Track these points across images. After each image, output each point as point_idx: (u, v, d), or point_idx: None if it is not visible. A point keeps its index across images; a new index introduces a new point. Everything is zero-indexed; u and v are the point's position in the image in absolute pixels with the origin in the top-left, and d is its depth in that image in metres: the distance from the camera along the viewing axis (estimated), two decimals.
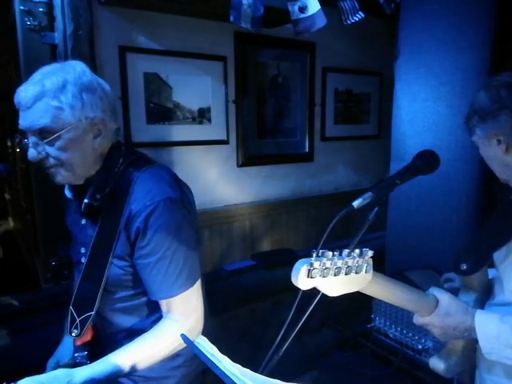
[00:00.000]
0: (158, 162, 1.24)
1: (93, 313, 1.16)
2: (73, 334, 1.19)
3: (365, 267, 0.82)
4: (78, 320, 1.18)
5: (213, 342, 0.85)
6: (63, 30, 1.91)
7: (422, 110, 2.27)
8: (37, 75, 1.05)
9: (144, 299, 1.21)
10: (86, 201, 1.12)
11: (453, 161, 2.19)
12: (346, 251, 0.79)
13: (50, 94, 1.02)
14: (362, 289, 0.86)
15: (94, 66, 1.99)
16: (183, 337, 0.86)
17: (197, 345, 0.84)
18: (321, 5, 1.91)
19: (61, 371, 1.03)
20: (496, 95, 1.08)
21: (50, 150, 1.06)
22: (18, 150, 3.66)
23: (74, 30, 1.90)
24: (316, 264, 0.75)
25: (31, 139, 1.06)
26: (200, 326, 1.19)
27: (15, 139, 1.16)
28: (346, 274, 0.79)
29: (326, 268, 0.76)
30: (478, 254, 1.08)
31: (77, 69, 1.08)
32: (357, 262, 0.80)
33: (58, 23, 1.92)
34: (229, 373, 0.76)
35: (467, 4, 2.12)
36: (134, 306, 1.22)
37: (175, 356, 1.21)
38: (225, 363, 0.79)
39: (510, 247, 1.09)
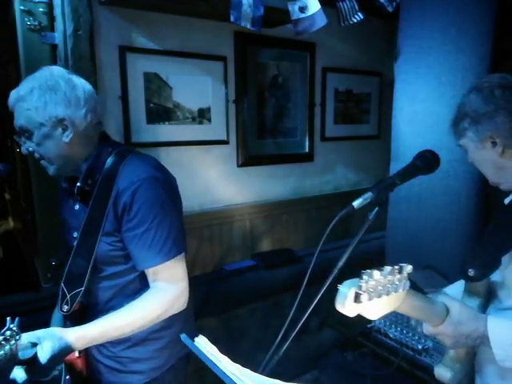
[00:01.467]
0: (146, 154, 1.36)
1: (83, 289, 1.25)
2: (64, 310, 1.27)
3: (403, 284, 0.76)
4: (68, 296, 1.26)
5: (213, 342, 0.85)
6: (63, 29, 1.91)
7: (421, 110, 2.27)
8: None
9: (131, 277, 1.29)
10: (78, 184, 1.26)
11: (453, 161, 2.19)
12: (387, 269, 0.73)
13: (22, 98, 1.18)
14: (396, 307, 0.81)
15: (93, 66, 1.99)
16: (183, 337, 0.86)
17: (197, 345, 0.84)
18: (321, 5, 1.91)
19: (55, 328, 1.12)
20: (490, 96, 1.06)
21: (32, 145, 1.22)
22: (17, 149, 3.66)
23: (73, 30, 1.90)
24: (364, 286, 0.69)
25: (20, 137, 1.24)
26: (185, 296, 1.27)
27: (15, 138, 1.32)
28: (387, 295, 0.74)
29: (373, 290, 0.70)
30: (485, 259, 1.05)
31: (45, 73, 1.21)
32: (397, 280, 0.75)
33: (58, 23, 1.92)
34: (229, 373, 0.76)
35: (467, 4, 2.12)
36: (122, 284, 1.29)
37: (159, 338, 1.32)
38: (225, 363, 0.79)
39: None
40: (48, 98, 1.18)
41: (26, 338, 1.03)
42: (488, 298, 1.14)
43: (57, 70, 1.24)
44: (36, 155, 1.24)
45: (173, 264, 1.24)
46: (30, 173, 2.16)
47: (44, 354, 1.02)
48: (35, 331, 1.06)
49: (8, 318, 0.90)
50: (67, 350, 1.09)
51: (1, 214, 5.75)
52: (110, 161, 1.26)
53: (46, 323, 1.54)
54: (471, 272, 1.03)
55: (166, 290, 1.23)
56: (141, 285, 1.29)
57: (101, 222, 1.22)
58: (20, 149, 1.27)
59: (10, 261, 3.87)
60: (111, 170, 1.24)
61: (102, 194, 1.24)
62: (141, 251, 1.22)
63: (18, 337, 0.89)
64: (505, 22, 2.29)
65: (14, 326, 0.90)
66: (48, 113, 1.18)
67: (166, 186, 1.25)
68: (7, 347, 0.85)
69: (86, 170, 1.26)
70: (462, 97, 1.15)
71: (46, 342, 1.04)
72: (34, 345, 1.03)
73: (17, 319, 0.91)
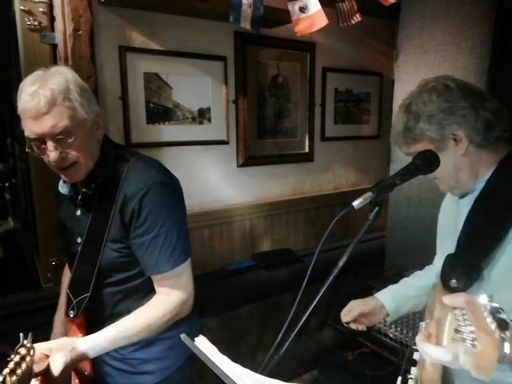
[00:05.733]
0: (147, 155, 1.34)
1: (88, 294, 1.23)
2: (70, 316, 1.26)
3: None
4: (74, 302, 1.25)
5: (213, 342, 0.85)
6: (63, 29, 1.91)
7: None
8: (34, 82, 1.09)
9: (137, 282, 1.27)
10: (83, 190, 1.23)
11: None
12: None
13: (61, 96, 1.08)
14: None
15: (93, 66, 1.99)
16: (183, 337, 0.86)
17: (197, 345, 0.84)
18: (321, 5, 1.91)
19: (67, 339, 1.14)
20: (445, 91, 1.03)
21: (70, 147, 1.13)
22: (27, 150, 3.65)
23: (73, 30, 1.90)
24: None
25: (50, 143, 1.10)
26: (191, 301, 1.26)
27: (26, 147, 1.21)
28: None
29: None
30: (465, 268, 0.97)
31: (69, 73, 1.16)
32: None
33: (58, 23, 1.92)
34: (229, 373, 0.76)
35: (467, 5, 2.12)
36: (129, 289, 1.28)
37: (168, 337, 1.31)
38: (225, 363, 0.79)
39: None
40: (85, 94, 1.15)
41: (39, 349, 1.02)
42: None
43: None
44: (69, 159, 1.14)
45: (181, 269, 1.23)
46: (30, 173, 2.16)
47: (56, 367, 1.02)
48: (48, 342, 1.07)
49: (21, 334, 0.90)
50: (78, 360, 1.10)
51: (1, 214, 5.74)
52: (112, 164, 1.23)
53: (45, 323, 1.54)
54: (453, 283, 0.96)
55: (173, 295, 1.22)
56: (149, 288, 1.27)
57: (105, 229, 1.20)
58: (21, 151, 1.23)
59: (9, 261, 3.87)
60: (114, 175, 1.21)
61: (105, 199, 1.21)
62: (150, 258, 1.20)
63: (32, 352, 0.90)
64: (505, 23, 2.29)
65: (27, 342, 0.90)
66: (91, 108, 1.16)
67: (172, 191, 1.24)
68: (24, 365, 0.86)
69: (90, 174, 1.22)
70: (406, 102, 1.11)
71: (58, 354, 1.04)
72: (47, 356, 1.03)
73: (29, 334, 0.92)
